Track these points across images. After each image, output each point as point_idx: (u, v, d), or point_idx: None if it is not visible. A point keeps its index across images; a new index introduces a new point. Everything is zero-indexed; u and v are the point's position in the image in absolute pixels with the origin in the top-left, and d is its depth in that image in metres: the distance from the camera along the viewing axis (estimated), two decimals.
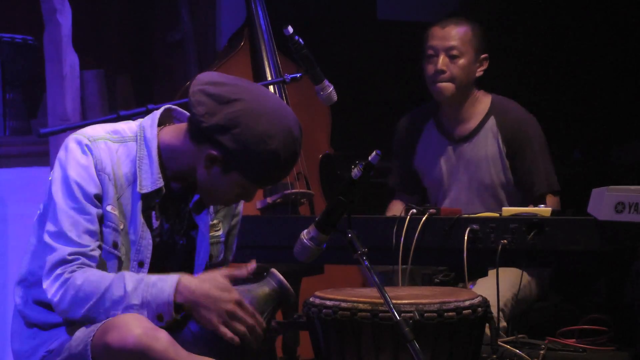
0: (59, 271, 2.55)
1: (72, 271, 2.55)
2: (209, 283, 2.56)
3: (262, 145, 2.54)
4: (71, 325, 2.60)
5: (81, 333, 2.56)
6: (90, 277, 2.54)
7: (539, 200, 3.71)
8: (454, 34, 3.82)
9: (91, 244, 2.58)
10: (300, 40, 3.42)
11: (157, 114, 2.71)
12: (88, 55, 4.42)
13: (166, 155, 2.66)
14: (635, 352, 3.12)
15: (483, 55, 3.86)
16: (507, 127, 3.80)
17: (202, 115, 2.54)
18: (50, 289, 2.55)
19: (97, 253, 2.59)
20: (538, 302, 3.81)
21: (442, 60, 3.80)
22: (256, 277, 2.67)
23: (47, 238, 2.58)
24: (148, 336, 2.42)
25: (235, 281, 2.69)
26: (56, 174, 2.63)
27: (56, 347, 2.61)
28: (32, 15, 4.25)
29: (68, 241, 2.56)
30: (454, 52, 3.80)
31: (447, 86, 3.81)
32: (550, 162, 3.81)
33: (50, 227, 2.59)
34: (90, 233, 2.58)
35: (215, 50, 5.03)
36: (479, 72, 3.86)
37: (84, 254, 2.56)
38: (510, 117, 3.82)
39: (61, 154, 2.64)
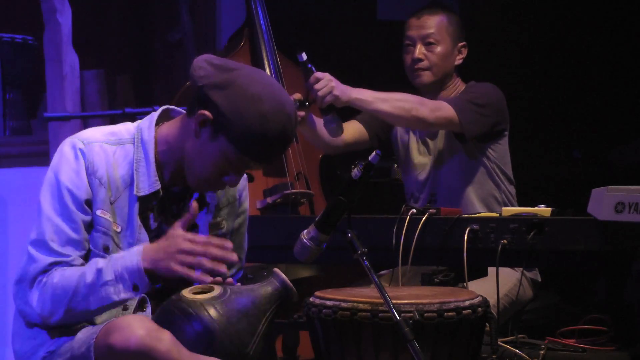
0: (38, 279, 2.56)
1: (50, 274, 2.56)
2: (163, 240, 2.57)
3: (251, 106, 2.53)
4: (67, 326, 2.61)
5: (83, 334, 2.57)
6: (65, 273, 2.55)
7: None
8: (429, 23, 3.83)
9: (72, 254, 2.58)
10: (313, 68, 3.45)
11: (154, 115, 2.71)
12: (88, 55, 4.42)
13: (162, 148, 2.66)
14: (635, 352, 3.12)
15: (461, 44, 3.86)
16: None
17: (200, 77, 2.56)
18: (33, 298, 2.56)
19: (78, 262, 2.59)
20: (537, 302, 3.81)
21: (419, 49, 3.82)
22: (257, 275, 2.68)
23: (29, 247, 2.58)
24: (151, 337, 2.42)
25: (240, 281, 2.69)
26: (47, 177, 2.63)
27: (57, 347, 2.61)
28: (32, 15, 4.25)
29: (50, 251, 2.56)
30: (431, 40, 3.81)
31: (425, 74, 3.81)
32: (472, 106, 3.68)
33: (33, 234, 2.59)
34: (74, 243, 2.58)
35: (215, 50, 5.03)
36: (458, 61, 3.86)
37: (65, 263, 2.57)
38: (468, 85, 3.83)
39: (55, 158, 2.64)
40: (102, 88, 4.52)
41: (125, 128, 2.71)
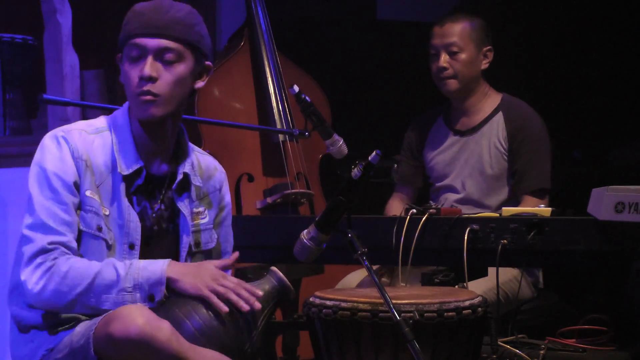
0: (39, 260, 2.57)
1: (54, 258, 2.57)
2: (198, 265, 2.66)
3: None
4: (57, 317, 2.62)
5: (82, 328, 2.58)
6: (75, 265, 2.57)
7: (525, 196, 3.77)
8: (451, 31, 3.88)
9: (68, 234, 2.60)
10: (307, 98, 3.47)
11: (127, 102, 2.76)
12: (88, 55, 4.41)
13: (136, 129, 2.72)
14: (635, 352, 3.12)
15: (486, 48, 3.91)
16: (513, 122, 3.85)
17: None
18: (31, 278, 2.57)
19: (74, 245, 2.61)
20: (537, 302, 3.81)
21: (443, 57, 3.88)
22: (257, 275, 2.70)
23: (25, 230, 2.61)
24: (151, 326, 2.44)
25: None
26: (32, 171, 2.66)
27: (55, 344, 2.61)
28: (32, 15, 4.25)
29: (47, 230, 2.58)
30: (454, 49, 3.87)
31: (451, 82, 3.89)
32: (547, 163, 3.82)
33: (27, 219, 2.62)
34: (67, 223, 2.61)
35: (215, 50, 5.03)
36: (484, 65, 3.91)
37: (62, 244, 2.59)
38: (517, 113, 3.87)
39: (37, 153, 2.68)
40: (102, 88, 4.52)
41: (100, 120, 2.78)
